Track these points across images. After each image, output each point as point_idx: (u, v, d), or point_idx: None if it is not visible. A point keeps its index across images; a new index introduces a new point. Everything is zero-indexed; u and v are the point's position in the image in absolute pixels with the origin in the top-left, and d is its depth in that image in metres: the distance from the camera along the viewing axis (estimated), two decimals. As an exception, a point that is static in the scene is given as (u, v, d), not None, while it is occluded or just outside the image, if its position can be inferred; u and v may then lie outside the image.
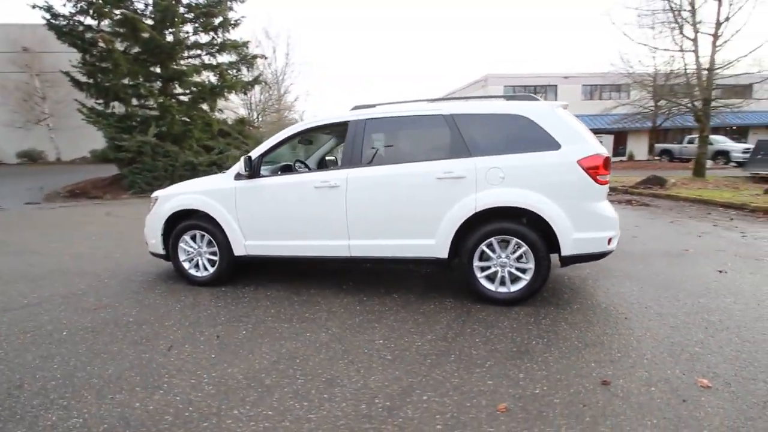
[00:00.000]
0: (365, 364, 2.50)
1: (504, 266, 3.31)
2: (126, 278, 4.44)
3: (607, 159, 3.17)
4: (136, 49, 16.72)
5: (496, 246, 3.29)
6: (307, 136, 4.18)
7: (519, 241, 3.22)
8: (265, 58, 24.90)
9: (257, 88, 25.35)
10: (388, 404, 2.10)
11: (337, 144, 5.03)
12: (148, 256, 5.22)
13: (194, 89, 18.16)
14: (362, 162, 3.50)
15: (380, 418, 2.00)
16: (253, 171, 3.69)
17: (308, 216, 3.61)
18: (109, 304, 3.64)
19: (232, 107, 26.46)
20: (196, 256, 4.05)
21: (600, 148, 3.20)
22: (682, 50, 13.89)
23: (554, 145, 3.17)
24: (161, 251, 4.14)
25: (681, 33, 13.21)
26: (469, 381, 2.29)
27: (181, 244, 4.05)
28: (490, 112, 3.36)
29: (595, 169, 3.10)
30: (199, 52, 18.58)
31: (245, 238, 3.82)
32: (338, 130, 4.12)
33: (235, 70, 19.14)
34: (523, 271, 3.29)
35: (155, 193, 4.24)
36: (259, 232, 3.77)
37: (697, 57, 13.08)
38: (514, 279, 3.32)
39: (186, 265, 4.08)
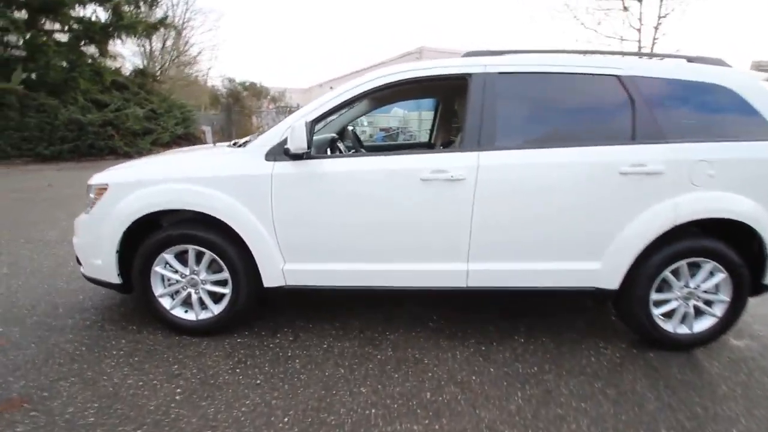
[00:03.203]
0: None
1: (688, 299, 2.37)
2: (39, 324, 2.57)
3: None
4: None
5: (684, 272, 2.32)
6: (386, 94, 2.69)
7: (717, 265, 2.29)
8: (174, -6, 20.60)
9: (155, 35, 20.95)
10: None
11: (364, 111, 3.59)
12: (56, 276, 3.29)
13: (77, 26, 14.10)
14: (497, 142, 2.20)
15: None
16: (311, 148, 2.14)
17: (405, 225, 2.22)
18: (39, 401, 1.89)
19: (119, 54, 21.55)
20: (187, 287, 2.39)
21: None
22: (622, 39, 14.52)
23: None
24: (115, 278, 2.39)
25: (629, 22, 13.66)
26: None
27: (158, 268, 2.35)
28: (683, 77, 2.29)
29: (823, 169, 2.26)
30: (82, -23, 14.32)
31: (285, 259, 2.29)
32: (445, 86, 2.73)
33: (132, 7, 15.28)
34: (709, 304, 2.39)
35: (102, 178, 2.40)
36: (314, 250, 2.28)
37: (640, 47, 13.68)
38: (696, 315, 2.41)
39: (166, 302, 2.41)
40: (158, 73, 21.80)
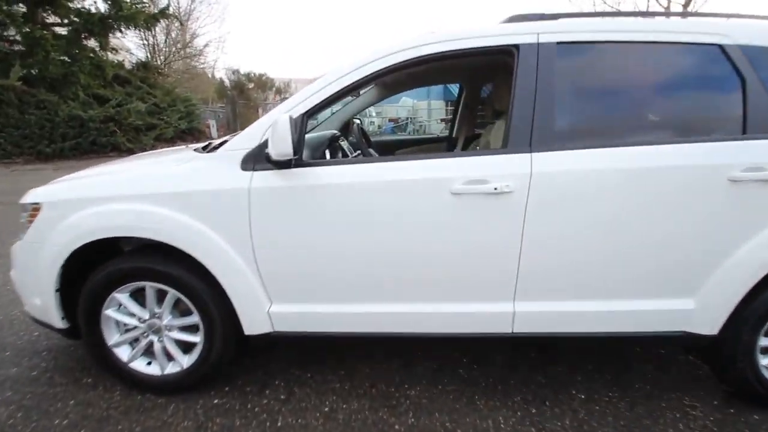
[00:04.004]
0: None
1: (809, 345, 1.76)
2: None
3: None
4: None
5: (807, 311, 1.71)
6: (400, 78, 2.10)
7: None
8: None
9: (158, 27, 20.42)
10: None
11: (372, 101, 3.00)
12: (17, 304, 2.78)
13: (76, 19, 13.62)
14: (557, 139, 1.60)
15: None
16: (299, 152, 1.57)
17: (430, 255, 1.65)
18: None
19: (125, 48, 21.05)
20: (148, 333, 1.87)
21: None
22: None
23: None
24: (58, 322, 1.87)
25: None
26: None
27: (110, 311, 1.83)
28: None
29: None
30: (79, -34, 13.80)
31: (272, 299, 1.75)
32: (473, 65, 2.14)
33: (133, -4, 14.72)
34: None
35: (36, 195, 1.87)
36: (310, 287, 1.72)
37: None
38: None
39: (123, 352, 1.89)
40: (163, 66, 21.34)
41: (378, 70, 1.70)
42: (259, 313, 1.75)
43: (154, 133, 14.99)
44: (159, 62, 21.77)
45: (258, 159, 1.65)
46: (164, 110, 15.95)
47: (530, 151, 1.58)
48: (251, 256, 1.67)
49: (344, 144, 2.45)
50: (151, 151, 2.66)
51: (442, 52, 1.71)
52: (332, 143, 2.18)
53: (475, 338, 1.77)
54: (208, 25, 42.77)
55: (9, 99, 12.06)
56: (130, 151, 13.69)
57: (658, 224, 1.61)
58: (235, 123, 21.60)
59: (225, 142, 1.89)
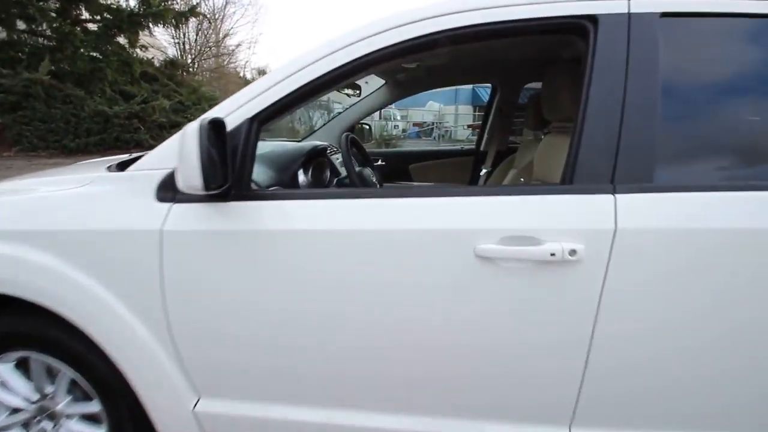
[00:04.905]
0: None
1: None
2: None
3: None
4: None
5: None
6: (415, 74, 1.51)
7: None
8: (205, -18, 20.11)
9: (191, 26, 20.57)
10: None
11: (380, 104, 2.40)
12: None
13: (107, 16, 13.73)
14: (657, 172, 0.96)
15: None
16: (236, 177, 1.00)
17: (440, 347, 1.04)
18: None
19: (159, 46, 21.32)
20: (41, 417, 1.33)
21: None
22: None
23: None
24: (-70, 391, 1.37)
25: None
26: None
27: (-13, 385, 1.31)
28: None
29: None
30: (111, -37, 13.94)
31: (200, 392, 1.18)
32: (517, 52, 1.51)
33: (164, -7, 14.80)
34: None
35: None
36: (256, 381, 1.15)
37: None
38: None
39: (6, 440, 1.37)
40: (191, 64, 21.54)
41: (373, 52, 1.09)
42: (178, 411, 1.17)
43: (177, 131, 14.95)
44: (188, 60, 21.97)
45: (180, 189, 1.07)
46: (188, 108, 15.93)
47: (613, 191, 0.94)
48: (165, 332, 1.11)
49: (338, 160, 1.85)
50: (79, 163, 2.16)
51: (469, 26, 1.08)
52: (313, 160, 1.58)
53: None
54: (241, 26, 43.20)
55: (37, 93, 12.17)
56: (153, 148, 13.65)
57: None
58: (259, 123, 21.53)
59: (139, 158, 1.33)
